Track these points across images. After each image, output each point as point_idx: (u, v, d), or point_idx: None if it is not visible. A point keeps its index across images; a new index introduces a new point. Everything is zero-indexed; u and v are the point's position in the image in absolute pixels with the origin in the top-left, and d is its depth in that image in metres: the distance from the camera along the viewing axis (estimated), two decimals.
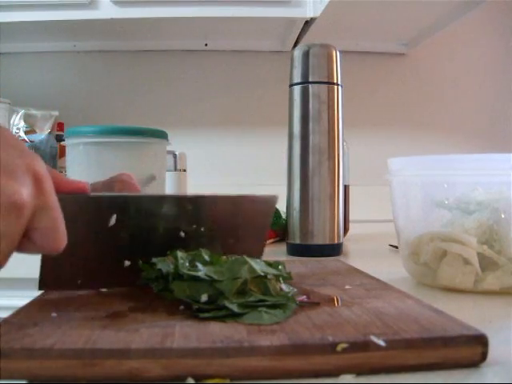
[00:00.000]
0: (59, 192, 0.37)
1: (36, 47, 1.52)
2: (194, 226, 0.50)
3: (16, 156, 0.33)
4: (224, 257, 0.45)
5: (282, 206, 0.95)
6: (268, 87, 1.57)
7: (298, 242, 0.84)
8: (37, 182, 0.34)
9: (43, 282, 0.44)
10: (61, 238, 0.35)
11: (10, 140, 0.34)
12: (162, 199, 0.50)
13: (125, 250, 0.48)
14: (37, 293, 0.46)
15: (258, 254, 0.55)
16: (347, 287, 0.49)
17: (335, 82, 0.84)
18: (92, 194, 0.44)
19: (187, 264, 0.43)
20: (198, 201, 0.51)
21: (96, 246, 0.46)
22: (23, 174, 0.33)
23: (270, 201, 0.56)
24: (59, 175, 0.41)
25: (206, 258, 0.45)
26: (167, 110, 1.58)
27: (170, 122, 1.52)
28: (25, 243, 0.34)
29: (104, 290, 0.48)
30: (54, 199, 0.35)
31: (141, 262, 0.48)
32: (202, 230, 0.51)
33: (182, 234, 0.50)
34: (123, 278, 0.48)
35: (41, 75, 1.56)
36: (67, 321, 0.36)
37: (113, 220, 0.46)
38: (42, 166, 0.34)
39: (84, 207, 0.44)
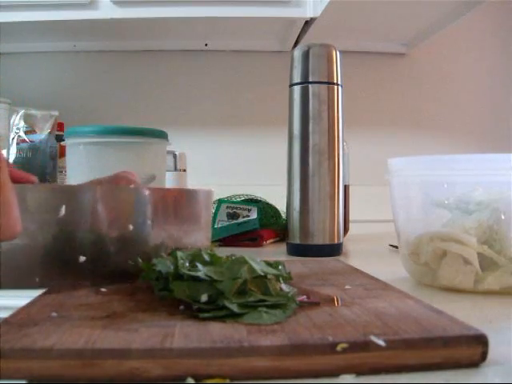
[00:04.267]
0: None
1: (36, 47, 1.52)
2: (141, 219, 0.51)
3: None
4: (224, 257, 0.45)
5: (282, 206, 0.95)
6: (268, 87, 1.57)
7: (297, 242, 0.84)
8: None
9: (1, 283, 0.44)
10: (16, 224, 0.35)
11: None
12: (105, 189, 0.50)
13: (78, 244, 0.48)
14: (37, 293, 0.46)
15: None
16: (347, 287, 0.49)
17: (335, 82, 0.84)
18: (39, 184, 0.45)
19: (187, 264, 0.43)
20: (140, 193, 0.52)
21: (50, 239, 0.46)
22: None
23: (207, 194, 0.59)
24: (9, 165, 0.41)
25: (206, 258, 0.45)
26: (167, 110, 1.58)
27: (170, 122, 1.52)
28: None
29: (104, 289, 0.47)
30: (7, 184, 0.34)
31: (140, 261, 0.48)
32: (149, 223, 0.52)
33: (131, 227, 0.50)
34: (81, 275, 0.48)
35: (41, 75, 1.56)
36: (67, 321, 0.36)
37: (62, 211, 0.46)
38: None
39: (36, 196, 0.44)
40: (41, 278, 0.46)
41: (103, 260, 0.50)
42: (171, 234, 0.53)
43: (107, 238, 0.49)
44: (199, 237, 0.57)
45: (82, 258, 0.48)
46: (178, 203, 0.55)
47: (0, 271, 0.44)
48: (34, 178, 0.44)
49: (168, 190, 0.55)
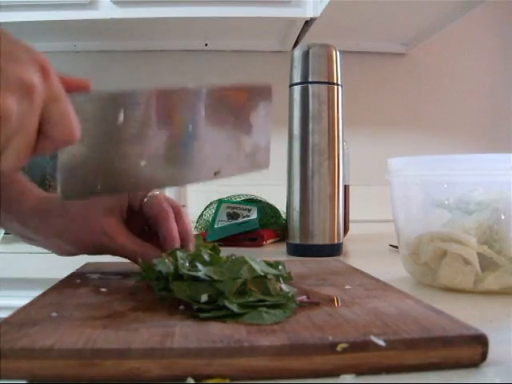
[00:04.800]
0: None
1: (36, 47, 1.51)
2: (202, 122, 0.49)
3: (22, 50, 0.34)
4: (224, 257, 0.45)
5: (282, 206, 0.95)
6: None
7: (297, 242, 0.84)
8: (44, 71, 0.34)
9: (65, 193, 0.43)
10: (74, 128, 0.36)
11: (14, 40, 0.34)
12: (164, 93, 0.48)
13: (139, 149, 0.46)
14: (37, 293, 0.46)
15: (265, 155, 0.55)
16: (347, 287, 0.49)
17: (335, 82, 0.84)
18: (95, 90, 0.44)
19: (187, 264, 0.43)
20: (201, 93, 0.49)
21: (109, 146, 0.45)
22: (30, 62, 0.33)
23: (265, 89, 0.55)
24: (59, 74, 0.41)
25: (206, 258, 0.45)
26: None
27: None
28: (40, 140, 0.34)
29: (104, 289, 0.48)
30: (62, 90, 0.35)
31: (141, 261, 0.48)
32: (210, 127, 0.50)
33: (190, 127, 0.49)
34: (142, 180, 0.47)
35: None
36: (67, 321, 0.37)
37: (121, 117, 0.44)
38: (47, 59, 0.35)
39: (91, 104, 0.43)
40: (103, 184, 0.45)
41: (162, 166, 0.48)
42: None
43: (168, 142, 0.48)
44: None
45: (143, 163, 0.46)
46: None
47: (62, 183, 0.43)
48: (88, 83, 0.42)
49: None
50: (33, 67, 0.33)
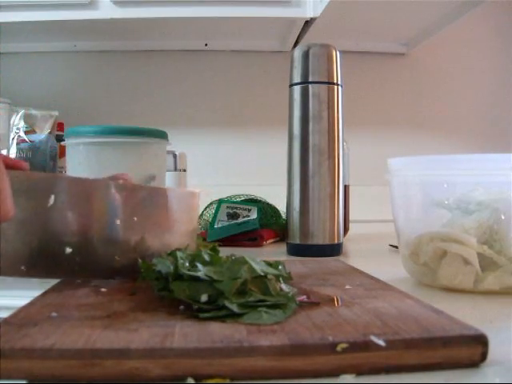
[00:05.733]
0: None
1: (36, 47, 1.52)
2: (127, 215, 0.51)
3: None
4: (224, 257, 0.45)
5: (282, 206, 0.95)
6: (268, 87, 1.57)
7: (297, 242, 0.83)
8: None
9: None
10: (8, 208, 0.37)
11: None
12: (97, 184, 0.50)
13: (65, 235, 0.48)
14: (37, 293, 0.46)
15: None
16: (347, 287, 0.49)
17: (335, 82, 0.84)
18: (30, 172, 0.45)
19: (187, 264, 0.43)
20: (128, 189, 0.52)
21: (37, 227, 0.46)
22: None
23: (193, 195, 0.59)
24: (1, 154, 0.42)
25: (206, 258, 0.45)
26: (167, 110, 1.58)
27: (170, 122, 1.52)
28: None
29: (104, 289, 0.48)
30: (1, 170, 0.36)
31: (140, 261, 0.48)
32: (135, 219, 0.52)
33: (118, 222, 0.51)
34: (66, 266, 0.48)
35: (41, 75, 1.56)
36: (67, 321, 0.36)
37: (51, 200, 0.46)
38: None
39: (25, 184, 0.44)
40: (27, 266, 0.46)
41: (89, 254, 0.50)
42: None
43: (93, 232, 0.50)
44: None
45: (68, 250, 0.48)
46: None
47: None
48: (26, 165, 0.45)
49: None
50: None
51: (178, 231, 0.57)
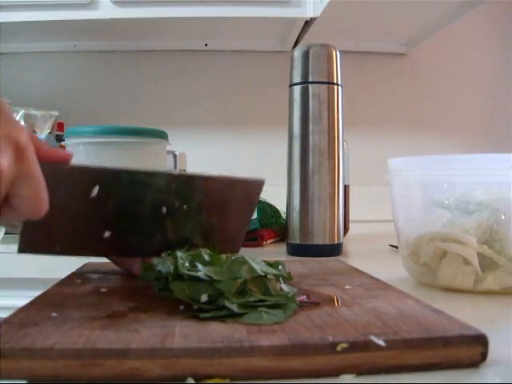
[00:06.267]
0: (42, 161, 0.37)
1: (36, 47, 1.52)
2: (177, 204, 0.51)
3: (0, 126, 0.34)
4: (224, 256, 0.45)
5: (282, 206, 0.95)
6: (268, 87, 1.57)
7: (297, 242, 0.83)
8: (18, 150, 0.34)
9: (22, 245, 0.45)
10: (42, 206, 0.37)
11: None
12: (147, 175, 0.50)
13: (105, 221, 0.48)
14: (37, 293, 0.46)
15: (237, 242, 0.57)
16: (347, 287, 0.49)
17: (335, 82, 0.84)
18: (75, 164, 0.45)
19: (187, 264, 0.43)
20: (182, 179, 0.52)
21: (77, 215, 0.47)
22: (3, 143, 0.34)
23: (257, 184, 0.57)
24: (42, 144, 0.41)
25: (206, 258, 0.45)
26: (167, 110, 1.58)
27: (170, 121, 1.52)
28: (5, 210, 0.36)
29: (104, 289, 0.48)
30: (35, 168, 0.36)
31: (141, 261, 0.48)
32: (185, 207, 0.52)
33: (164, 209, 0.51)
34: (102, 247, 0.49)
35: (41, 75, 1.56)
36: (67, 321, 0.36)
37: (95, 191, 0.46)
38: (23, 135, 0.35)
39: (67, 177, 0.45)
40: (61, 246, 0.47)
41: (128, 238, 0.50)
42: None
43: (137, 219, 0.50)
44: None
45: (107, 234, 0.48)
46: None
47: (22, 236, 0.44)
48: (69, 156, 0.44)
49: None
50: (6, 148, 0.34)
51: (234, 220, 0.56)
